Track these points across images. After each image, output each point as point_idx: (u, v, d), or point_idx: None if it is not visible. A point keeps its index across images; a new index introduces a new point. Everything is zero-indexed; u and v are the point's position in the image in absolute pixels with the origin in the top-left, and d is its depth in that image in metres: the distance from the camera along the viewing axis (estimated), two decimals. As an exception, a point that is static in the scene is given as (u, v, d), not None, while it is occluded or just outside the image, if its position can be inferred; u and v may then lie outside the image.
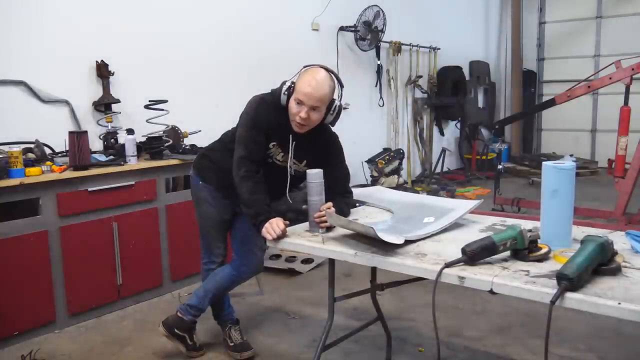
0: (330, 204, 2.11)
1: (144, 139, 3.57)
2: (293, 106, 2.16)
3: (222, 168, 2.42)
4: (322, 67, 2.18)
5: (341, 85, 2.24)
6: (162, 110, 3.57)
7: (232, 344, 2.71)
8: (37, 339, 2.92)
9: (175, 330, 2.66)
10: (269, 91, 2.31)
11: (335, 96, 2.22)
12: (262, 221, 2.07)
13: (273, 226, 2.03)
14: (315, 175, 2.08)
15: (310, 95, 2.11)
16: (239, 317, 2.82)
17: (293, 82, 2.18)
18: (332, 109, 2.21)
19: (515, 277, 1.50)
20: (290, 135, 2.24)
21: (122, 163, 3.29)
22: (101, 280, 3.20)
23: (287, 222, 2.07)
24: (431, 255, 1.72)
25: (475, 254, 1.60)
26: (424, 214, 2.16)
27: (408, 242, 1.82)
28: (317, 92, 2.11)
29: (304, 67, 2.21)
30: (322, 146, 2.31)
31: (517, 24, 9.41)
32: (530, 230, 1.65)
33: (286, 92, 2.18)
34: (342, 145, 2.38)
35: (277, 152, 2.28)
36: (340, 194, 2.28)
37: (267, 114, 2.22)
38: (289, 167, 2.30)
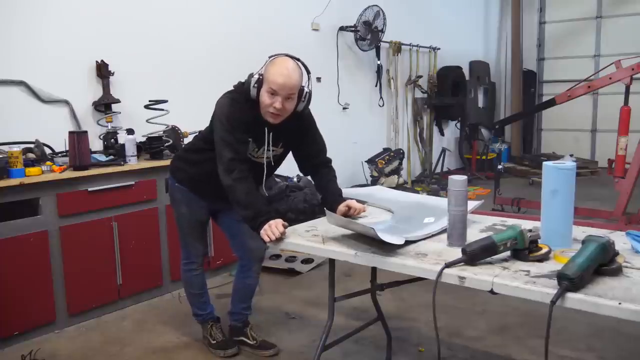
0: (353, 202, 2.24)
1: (144, 139, 3.57)
2: (266, 98, 2.15)
3: (196, 170, 2.49)
4: (288, 55, 2.20)
5: (308, 72, 2.27)
6: (162, 110, 3.57)
7: (215, 342, 2.74)
8: (37, 339, 2.92)
9: (233, 338, 2.76)
10: (232, 89, 2.31)
11: (304, 83, 2.24)
12: (262, 222, 2.05)
13: (272, 228, 2.01)
14: (458, 183, 1.82)
15: (284, 85, 2.11)
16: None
17: (261, 74, 2.18)
18: (302, 97, 2.24)
19: (516, 277, 1.50)
20: (266, 128, 2.27)
21: (122, 163, 3.29)
22: (101, 280, 3.20)
23: (287, 224, 2.06)
24: (431, 255, 1.72)
25: (475, 254, 1.60)
26: (424, 214, 2.15)
27: (408, 242, 1.82)
28: (290, 80, 2.12)
29: (270, 57, 2.21)
30: (297, 127, 2.34)
31: (517, 24, 9.41)
32: (530, 230, 1.64)
33: (256, 85, 2.17)
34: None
35: (252, 148, 2.31)
36: (324, 165, 2.42)
37: (241, 113, 2.23)
38: (265, 159, 2.33)
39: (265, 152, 2.32)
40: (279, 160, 2.44)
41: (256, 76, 2.18)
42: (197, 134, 2.59)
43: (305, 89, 2.24)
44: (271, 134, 2.28)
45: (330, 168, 2.45)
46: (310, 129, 2.40)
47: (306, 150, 2.41)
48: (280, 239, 2.01)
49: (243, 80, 2.28)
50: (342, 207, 2.25)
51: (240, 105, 2.23)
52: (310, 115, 2.40)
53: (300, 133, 2.37)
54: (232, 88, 2.32)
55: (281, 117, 2.21)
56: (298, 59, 2.21)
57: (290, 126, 2.30)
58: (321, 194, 2.43)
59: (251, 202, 2.13)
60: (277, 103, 2.14)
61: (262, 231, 2.03)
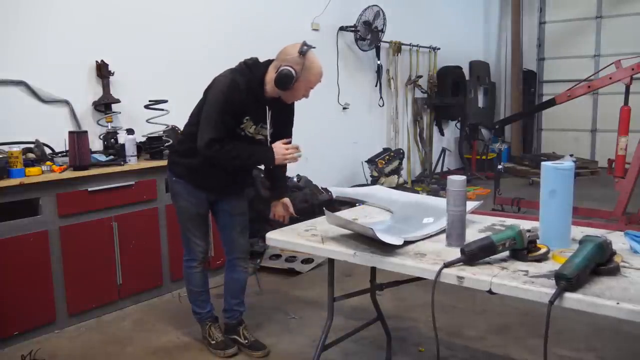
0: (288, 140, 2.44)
1: (144, 139, 3.57)
2: (302, 91, 2.34)
3: (190, 159, 2.53)
4: (311, 46, 2.32)
5: None
6: (162, 110, 3.57)
7: (214, 342, 2.75)
8: (37, 339, 2.92)
9: (226, 336, 2.79)
10: (237, 68, 2.40)
11: None
12: (268, 157, 2.35)
13: (286, 154, 2.35)
14: (457, 183, 1.82)
15: (320, 80, 2.36)
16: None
17: (296, 70, 2.27)
18: None
19: (514, 277, 1.50)
20: (267, 107, 2.40)
21: (122, 163, 3.29)
22: (101, 280, 3.20)
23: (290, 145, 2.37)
24: (430, 255, 1.72)
25: (474, 254, 1.61)
26: (423, 214, 2.16)
27: (407, 242, 1.82)
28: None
29: (300, 54, 2.28)
30: (285, 108, 2.51)
31: (517, 24, 9.41)
32: (529, 231, 1.65)
33: (295, 83, 2.30)
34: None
35: (250, 125, 2.40)
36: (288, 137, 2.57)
37: (240, 96, 2.32)
38: (268, 135, 2.46)
39: (268, 129, 2.46)
40: (271, 137, 2.57)
41: (292, 71, 2.27)
42: (187, 121, 2.61)
43: None
44: (271, 112, 2.43)
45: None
46: (292, 110, 2.58)
47: (283, 125, 2.56)
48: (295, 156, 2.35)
49: (245, 62, 2.40)
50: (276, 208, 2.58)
51: (237, 89, 2.31)
52: None
53: (286, 113, 2.54)
54: (236, 66, 2.41)
55: None
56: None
57: (283, 107, 2.46)
58: (270, 182, 2.72)
59: (245, 155, 2.37)
60: (309, 92, 2.38)
61: (280, 158, 2.35)
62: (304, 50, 2.28)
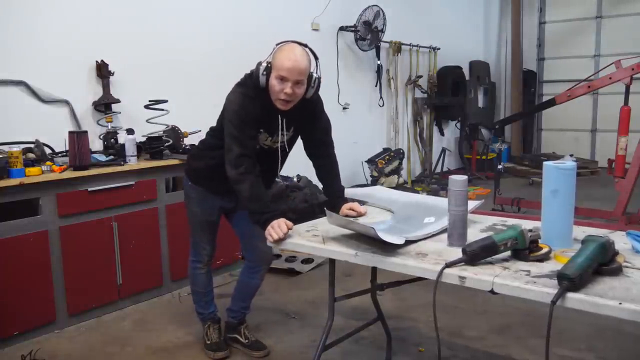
0: (356, 204, 2.26)
1: (144, 139, 3.57)
2: (275, 84, 2.15)
3: (208, 168, 2.48)
4: (294, 42, 2.19)
5: (316, 58, 2.26)
6: (162, 110, 3.57)
7: (209, 342, 2.75)
8: (37, 339, 2.92)
9: (227, 335, 2.80)
10: (242, 80, 2.30)
11: (312, 69, 2.23)
12: (268, 219, 2.04)
13: (275, 229, 1.99)
14: (459, 183, 1.82)
15: (293, 69, 2.11)
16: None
17: (269, 62, 2.17)
18: (312, 83, 2.23)
19: (516, 277, 1.50)
20: (279, 116, 2.27)
21: (122, 163, 3.28)
22: (101, 280, 3.20)
23: (291, 225, 2.04)
24: (432, 255, 1.72)
25: (475, 254, 1.60)
26: (424, 214, 2.15)
27: (408, 242, 1.82)
28: (299, 65, 2.12)
29: (277, 44, 2.20)
30: (307, 112, 2.35)
31: (517, 24, 9.41)
32: (530, 230, 1.64)
33: (265, 73, 2.16)
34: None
35: (265, 138, 2.32)
36: (326, 146, 2.46)
37: (253, 107, 2.22)
38: (279, 146, 2.35)
39: (280, 138, 2.33)
40: (290, 144, 2.46)
41: (264, 64, 2.17)
42: (208, 130, 2.57)
43: (315, 75, 2.24)
44: (284, 120, 2.29)
45: (333, 156, 2.47)
46: (317, 111, 2.42)
47: (311, 130, 2.43)
48: (282, 239, 2.00)
49: (250, 71, 2.27)
50: (345, 210, 2.29)
51: (249, 99, 2.22)
52: (319, 98, 2.41)
53: (310, 117, 2.39)
54: (241, 79, 2.32)
55: (292, 103, 2.20)
56: (305, 45, 2.21)
57: (301, 111, 2.31)
58: (323, 187, 2.47)
59: (258, 194, 2.14)
60: (288, 88, 2.13)
61: (266, 230, 2.03)
62: (283, 42, 2.18)
